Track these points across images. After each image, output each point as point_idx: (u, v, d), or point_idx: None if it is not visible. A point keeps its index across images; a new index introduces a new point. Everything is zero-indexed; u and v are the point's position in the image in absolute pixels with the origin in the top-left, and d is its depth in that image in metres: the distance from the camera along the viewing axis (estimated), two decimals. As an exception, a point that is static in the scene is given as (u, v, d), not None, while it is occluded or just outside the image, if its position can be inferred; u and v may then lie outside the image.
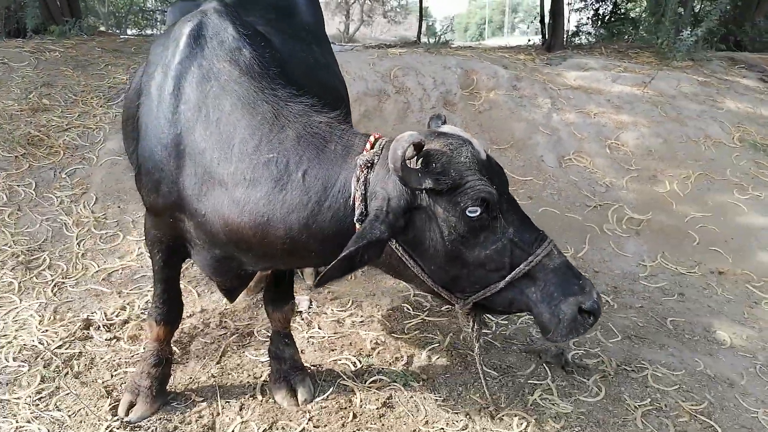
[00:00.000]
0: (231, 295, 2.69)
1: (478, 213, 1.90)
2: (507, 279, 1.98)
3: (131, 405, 2.78)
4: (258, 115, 2.15)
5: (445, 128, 2.15)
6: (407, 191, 1.93)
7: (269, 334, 3.53)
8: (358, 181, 1.99)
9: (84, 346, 3.30)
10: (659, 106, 6.40)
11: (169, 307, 2.76)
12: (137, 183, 2.57)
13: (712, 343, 3.66)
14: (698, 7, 10.76)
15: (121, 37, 8.97)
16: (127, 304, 3.71)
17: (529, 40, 10.52)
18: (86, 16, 9.27)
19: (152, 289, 2.80)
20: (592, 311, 1.94)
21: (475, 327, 2.24)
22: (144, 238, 2.69)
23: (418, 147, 1.90)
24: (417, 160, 1.94)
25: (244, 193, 2.11)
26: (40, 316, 3.53)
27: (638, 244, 4.73)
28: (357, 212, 1.99)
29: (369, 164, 2.01)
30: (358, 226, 1.99)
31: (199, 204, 2.23)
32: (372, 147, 2.07)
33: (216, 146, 2.16)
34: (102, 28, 9.93)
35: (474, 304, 2.10)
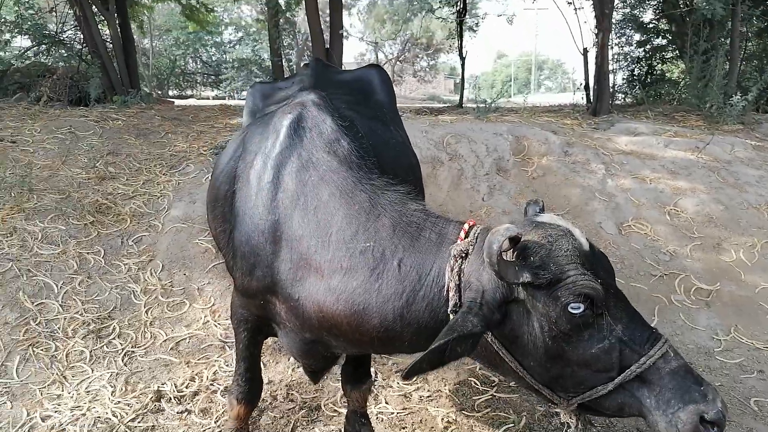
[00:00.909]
0: (316, 376, 2.66)
1: (581, 309, 1.79)
2: (616, 382, 1.84)
3: (208, 485, 2.74)
4: (355, 204, 2.17)
5: (544, 217, 2.07)
6: (503, 284, 1.86)
7: (336, 408, 3.51)
8: (452, 271, 1.94)
9: (156, 420, 3.30)
10: (716, 171, 6.32)
11: (251, 385, 2.75)
12: (227, 263, 2.62)
13: (804, 428, 3.44)
14: (741, 69, 10.82)
15: (178, 105, 9.38)
16: (196, 374, 3.71)
17: (575, 103, 10.61)
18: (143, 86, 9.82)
19: (235, 366, 2.79)
20: (716, 422, 1.77)
21: (580, 426, 2.11)
22: (230, 316, 2.71)
23: (514, 240, 1.84)
24: (514, 253, 1.87)
25: (341, 281, 2.11)
26: (112, 387, 3.55)
27: (709, 316, 4.56)
28: (451, 303, 1.93)
29: (463, 254, 1.96)
30: (451, 317, 1.95)
31: (293, 289, 2.23)
32: (466, 235, 2.02)
33: (313, 234, 2.19)
34: (154, 95, 10.41)
35: (579, 405, 1.97)
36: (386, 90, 3.44)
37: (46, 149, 5.97)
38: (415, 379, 2.00)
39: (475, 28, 14.52)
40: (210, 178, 3.03)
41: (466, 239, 2.00)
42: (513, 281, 1.82)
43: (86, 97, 8.06)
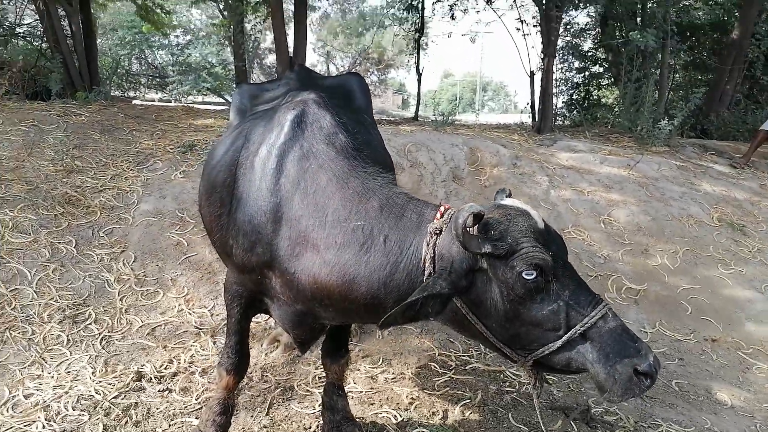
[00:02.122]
0: (304, 346, 2.94)
1: (533, 276, 2.08)
2: (563, 339, 2.13)
3: (195, 451, 2.96)
4: (350, 189, 2.50)
5: (506, 201, 2.42)
6: (469, 255, 2.18)
7: (308, 388, 3.78)
8: (428, 245, 2.27)
9: (139, 397, 3.47)
10: (644, 186, 7.03)
11: (240, 357, 3.00)
12: (221, 244, 2.88)
13: (714, 404, 4.01)
14: (669, 97, 11.89)
15: (140, 104, 9.39)
16: (174, 357, 3.90)
17: (521, 122, 11.32)
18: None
19: (225, 340, 3.04)
20: (649, 373, 2.02)
21: (536, 384, 2.47)
22: (224, 293, 2.96)
23: (478, 216, 2.14)
24: (477, 228, 2.17)
25: (335, 254, 2.42)
26: (92, 368, 3.69)
27: (638, 312, 5.14)
28: (426, 272, 2.27)
29: (438, 231, 2.28)
30: None
31: (290, 263, 2.53)
32: (442, 216, 2.34)
33: (312, 214, 2.49)
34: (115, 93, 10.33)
35: (534, 362, 2.26)
36: (365, 96, 3.79)
37: (11, 141, 5.95)
38: (390, 327, 2.29)
39: (425, 47, 15.13)
40: (204, 168, 3.26)
41: (441, 219, 2.32)
42: (476, 251, 2.13)
43: (45, 92, 7.98)
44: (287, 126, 2.64)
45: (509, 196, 2.52)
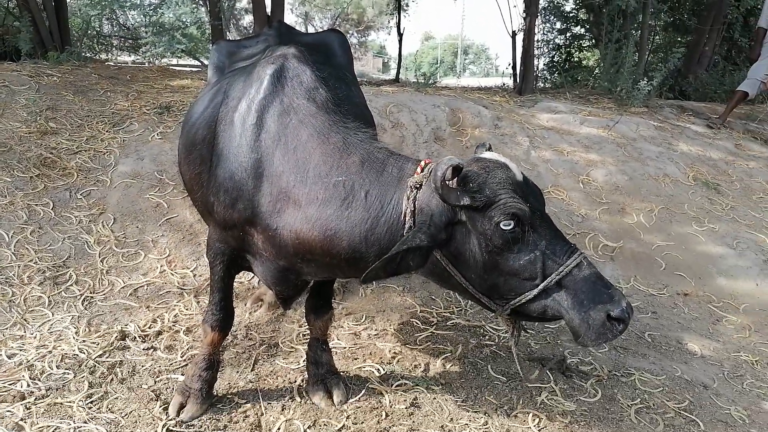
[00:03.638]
0: (286, 303, 2.98)
1: (510, 226, 2.12)
2: (540, 287, 2.18)
3: (182, 406, 3.01)
4: (330, 144, 2.50)
5: (486, 154, 2.44)
6: (448, 208, 2.21)
7: (293, 345, 3.84)
8: (408, 199, 2.29)
9: (124, 355, 3.50)
10: (623, 147, 7.11)
11: (225, 314, 3.04)
12: (203, 202, 2.87)
13: (685, 354, 4.17)
14: (649, 59, 11.92)
15: (114, 65, 9.13)
16: (157, 317, 3.92)
17: (503, 84, 11.28)
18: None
19: (209, 297, 3.06)
20: (621, 318, 2.09)
21: (514, 333, 2.54)
22: (207, 251, 2.97)
23: (456, 169, 2.14)
24: (456, 181, 2.18)
25: (316, 210, 2.43)
26: (75, 328, 3.70)
27: (614, 268, 5.28)
28: (406, 226, 2.29)
29: (418, 185, 2.30)
30: None
31: (272, 219, 2.53)
32: (422, 171, 2.36)
33: (293, 170, 2.49)
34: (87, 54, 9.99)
35: (512, 311, 2.32)
36: (345, 53, 3.74)
37: (-20, 102, 5.78)
38: (372, 281, 2.33)
39: (405, 8, 14.83)
40: (182, 126, 3.22)
41: (422, 173, 2.34)
42: (454, 203, 2.17)
43: (14, 52, 7.71)
44: (267, 80, 2.61)
45: (489, 149, 2.54)
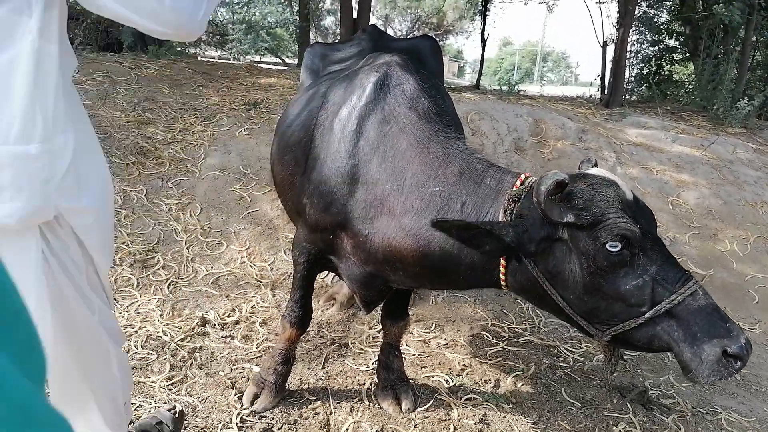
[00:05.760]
0: (368, 306, 2.98)
1: (618, 248, 1.98)
2: (647, 315, 2.02)
3: (255, 397, 3.09)
4: (430, 154, 2.46)
5: (593, 170, 2.28)
6: (548, 223, 2.10)
7: (362, 347, 3.86)
8: (505, 212, 2.21)
9: (203, 341, 3.63)
10: (718, 169, 6.70)
11: (303, 312, 3.09)
12: (294, 203, 2.93)
13: (778, 397, 3.87)
14: (748, 76, 11.17)
15: (206, 61, 9.55)
16: (236, 307, 4.05)
17: (590, 95, 10.93)
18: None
19: (290, 294, 3.13)
20: (739, 356, 1.91)
21: (612, 360, 2.35)
22: (292, 249, 3.03)
23: (561, 184, 2.03)
24: (560, 197, 2.07)
25: (411, 219, 2.40)
26: (160, 311, 3.88)
27: (701, 298, 4.96)
28: None
29: (516, 198, 2.21)
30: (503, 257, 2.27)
31: (364, 225, 2.53)
32: (521, 184, 2.27)
33: (389, 178, 2.48)
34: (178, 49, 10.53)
35: (613, 337, 2.16)
36: (437, 61, 3.73)
37: (86, 90, 6.19)
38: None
39: (489, 13, 14.64)
40: (276, 128, 3.31)
41: (521, 186, 2.26)
42: (557, 220, 2.06)
43: (117, 44, 8.23)
44: (369, 88, 2.63)
45: (595, 165, 2.44)
